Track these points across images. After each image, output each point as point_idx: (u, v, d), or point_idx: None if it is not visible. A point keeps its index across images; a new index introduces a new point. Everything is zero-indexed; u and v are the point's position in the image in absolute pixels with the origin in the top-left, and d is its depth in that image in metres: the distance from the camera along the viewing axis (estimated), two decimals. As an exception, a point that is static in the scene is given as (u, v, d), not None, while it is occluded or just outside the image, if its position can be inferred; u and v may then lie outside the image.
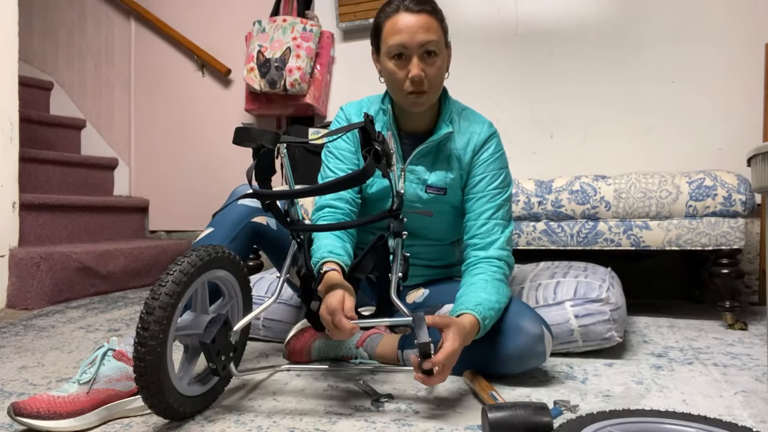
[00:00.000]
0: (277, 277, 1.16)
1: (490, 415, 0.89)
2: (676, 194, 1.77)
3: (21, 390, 1.23)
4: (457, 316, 1.12)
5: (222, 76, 3.10)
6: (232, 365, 1.10)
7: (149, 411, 1.03)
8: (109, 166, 3.35)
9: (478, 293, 1.18)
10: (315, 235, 1.26)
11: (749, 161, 1.11)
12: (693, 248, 1.76)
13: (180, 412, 1.00)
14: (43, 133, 3.24)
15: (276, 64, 2.57)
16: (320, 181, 1.40)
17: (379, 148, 1.06)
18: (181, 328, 1.04)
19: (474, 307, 1.13)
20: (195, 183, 3.19)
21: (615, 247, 1.84)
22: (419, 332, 1.01)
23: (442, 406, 1.09)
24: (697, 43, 2.20)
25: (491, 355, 1.21)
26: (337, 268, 1.16)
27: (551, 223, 1.90)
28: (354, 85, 2.71)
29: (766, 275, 1.62)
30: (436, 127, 1.36)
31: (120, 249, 2.58)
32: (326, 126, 2.49)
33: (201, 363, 1.08)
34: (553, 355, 1.43)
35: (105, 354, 1.07)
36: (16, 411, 0.97)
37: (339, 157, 1.38)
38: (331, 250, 1.20)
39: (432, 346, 1.01)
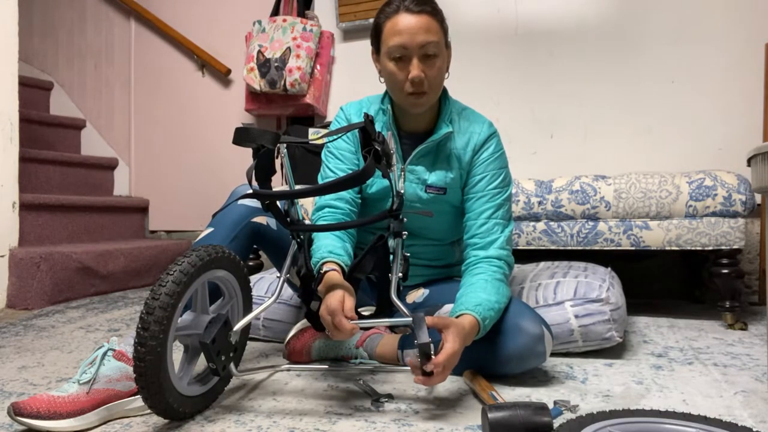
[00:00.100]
0: (278, 277, 1.16)
1: (490, 415, 0.89)
2: (676, 194, 1.77)
3: (21, 390, 1.23)
4: (457, 317, 1.12)
5: (222, 76, 3.10)
6: (232, 365, 1.10)
7: (149, 411, 1.03)
8: (109, 166, 3.35)
9: (477, 293, 1.17)
10: (315, 235, 1.26)
11: (749, 161, 1.11)
12: (693, 248, 1.76)
13: (180, 413, 1.00)
14: (43, 133, 3.24)
15: (276, 64, 2.57)
16: (320, 180, 1.40)
17: (379, 149, 1.06)
18: (181, 328, 1.04)
19: (474, 308, 1.13)
20: (195, 183, 3.19)
21: (615, 247, 1.84)
22: (419, 333, 1.01)
23: (442, 406, 1.09)
24: (697, 43, 2.20)
25: (491, 355, 1.21)
26: (337, 268, 1.16)
27: (551, 223, 1.90)
28: (354, 85, 2.71)
29: (766, 275, 1.62)
30: (436, 127, 1.36)
31: (120, 249, 2.58)
32: (326, 126, 2.49)
33: (201, 363, 1.08)
34: (553, 355, 1.43)
35: (105, 354, 1.07)
36: (16, 411, 0.97)
37: (339, 157, 1.38)
38: (331, 250, 1.20)
39: (432, 346, 1.01)
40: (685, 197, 1.76)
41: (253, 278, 1.75)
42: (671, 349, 1.51)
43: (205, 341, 0.99)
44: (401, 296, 1.21)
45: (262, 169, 1.08)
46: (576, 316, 1.40)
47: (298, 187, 1.10)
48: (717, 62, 2.18)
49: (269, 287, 1.66)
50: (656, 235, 1.79)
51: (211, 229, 1.32)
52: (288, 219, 1.14)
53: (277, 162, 1.17)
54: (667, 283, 2.30)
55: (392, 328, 1.42)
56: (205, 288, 1.06)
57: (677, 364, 1.36)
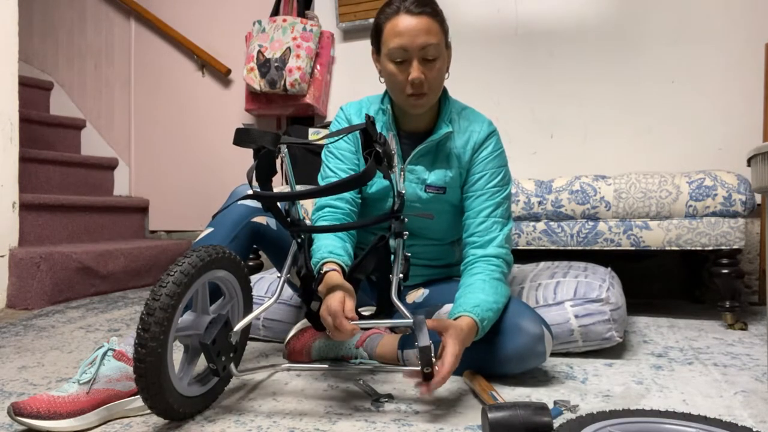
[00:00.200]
0: (278, 276, 1.16)
1: (490, 415, 0.89)
2: (676, 194, 1.77)
3: (21, 390, 1.23)
4: (455, 319, 1.12)
5: (222, 76, 3.10)
6: (232, 365, 1.10)
7: (149, 411, 1.03)
8: (109, 166, 3.35)
9: (476, 294, 1.18)
10: (315, 235, 1.26)
11: (749, 161, 1.11)
12: (693, 248, 1.76)
13: (180, 413, 1.00)
14: (43, 133, 3.24)
15: (276, 64, 2.57)
16: (320, 180, 1.40)
17: (381, 150, 1.06)
18: (182, 328, 1.04)
19: (472, 309, 1.13)
20: (195, 183, 3.19)
21: (615, 247, 1.84)
22: (420, 336, 1.01)
23: (442, 406, 1.09)
24: (697, 43, 2.20)
25: (491, 355, 1.21)
26: (337, 268, 1.16)
27: (551, 223, 1.90)
28: (354, 85, 2.71)
29: (766, 275, 1.62)
30: (436, 126, 1.36)
31: (120, 249, 2.58)
32: (326, 126, 2.49)
33: (201, 363, 1.08)
34: (553, 355, 1.43)
35: (105, 354, 1.07)
36: (16, 411, 0.97)
37: (339, 157, 1.38)
38: (331, 250, 1.20)
39: (433, 347, 1.01)
40: (685, 197, 1.76)
41: (253, 278, 1.75)
42: (671, 349, 1.51)
43: (205, 342, 0.99)
44: (401, 296, 1.21)
45: (263, 170, 1.08)
46: (576, 316, 1.40)
47: (299, 188, 1.10)
48: (717, 62, 2.18)
49: (269, 287, 1.66)
50: (656, 235, 1.79)
51: (210, 229, 1.32)
52: (288, 219, 1.14)
53: (277, 162, 1.17)
54: (667, 283, 2.30)
55: (392, 329, 1.42)
56: (206, 288, 1.06)
57: (677, 364, 1.36)
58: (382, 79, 1.33)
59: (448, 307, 1.30)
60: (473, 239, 1.30)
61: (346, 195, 1.34)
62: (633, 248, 1.82)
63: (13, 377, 1.33)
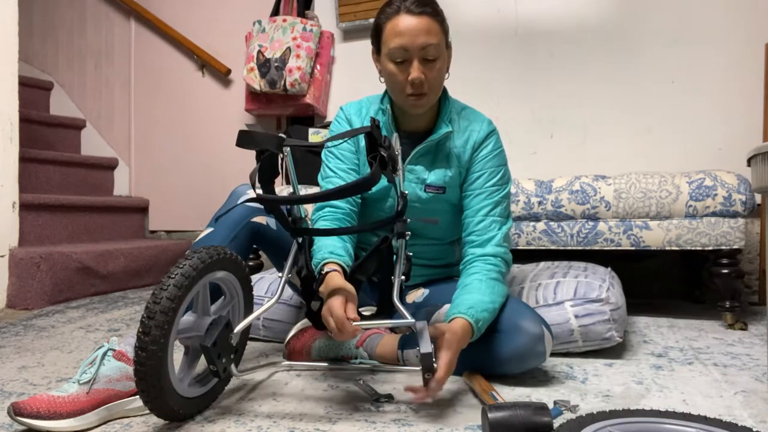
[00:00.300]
0: (279, 276, 1.16)
1: (490, 415, 0.89)
2: (676, 194, 1.77)
3: (21, 390, 1.23)
4: (450, 320, 1.12)
5: (222, 76, 3.10)
6: (232, 366, 1.10)
7: (149, 411, 1.03)
8: (109, 166, 3.35)
9: (472, 295, 1.18)
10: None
11: (749, 161, 1.11)
12: (693, 248, 1.76)
13: (180, 414, 1.00)
14: (43, 133, 3.24)
15: (276, 64, 2.57)
16: (320, 180, 1.40)
17: (386, 154, 1.06)
18: (183, 330, 1.04)
19: (466, 311, 1.13)
20: (195, 183, 3.19)
21: (615, 247, 1.84)
22: (422, 342, 1.01)
23: (442, 406, 1.09)
24: (697, 43, 2.20)
25: (491, 355, 1.21)
26: (338, 269, 1.16)
27: (551, 223, 1.90)
28: (354, 85, 2.71)
29: (766, 275, 1.62)
30: (436, 126, 1.36)
31: (120, 249, 2.58)
32: (326, 126, 2.49)
33: (201, 364, 1.08)
34: (553, 355, 1.43)
35: (105, 354, 1.07)
36: (16, 411, 0.97)
37: (339, 157, 1.38)
38: (332, 250, 1.20)
39: (434, 353, 1.01)
40: (685, 197, 1.76)
41: (253, 278, 1.75)
42: (671, 349, 1.51)
43: (206, 344, 0.99)
44: (402, 297, 1.21)
45: (265, 172, 1.08)
46: (576, 316, 1.40)
47: (302, 192, 1.10)
48: (717, 62, 2.18)
49: (269, 287, 1.66)
50: (656, 235, 1.79)
51: (210, 229, 1.32)
52: (290, 218, 1.14)
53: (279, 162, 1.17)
54: (667, 283, 2.30)
55: (392, 329, 1.42)
56: (207, 290, 1.06)
57: (677, 364, 1.36)
58: (382, 79, 1.33)
59: (447, 307, 1.30)
60: (472, 238, 1.30)
61: (347, 195, 1.34)
62: (633, 248, 1.82)
63: (13, 377, 1.33)
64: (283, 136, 1.07)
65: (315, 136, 2.44)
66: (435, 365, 1.02)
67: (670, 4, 2.23)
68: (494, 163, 1.35)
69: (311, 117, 2.82)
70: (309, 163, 2.31)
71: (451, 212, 1.40)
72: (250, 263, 2.30)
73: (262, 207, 1.35)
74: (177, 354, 1.09)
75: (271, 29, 2.65)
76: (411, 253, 1.24)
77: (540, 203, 1.89)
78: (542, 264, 1.82)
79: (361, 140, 1.38)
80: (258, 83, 2.61)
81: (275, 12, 2.80)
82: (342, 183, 1.34)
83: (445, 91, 1.39)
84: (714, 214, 1.74)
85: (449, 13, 1.35)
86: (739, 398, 1.13)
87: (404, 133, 1.38)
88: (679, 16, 2.22)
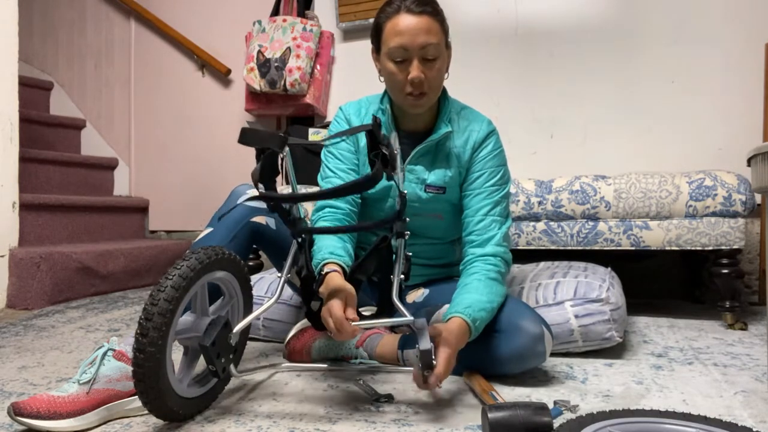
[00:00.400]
0: (278, 276, 1.16)
1: (490, 415, 0.89)
2: (676, 194, 1.77)
3: (21, 390, 1.23)
4: (448, 320, 1.12)
5: (222, 76, 3.10)
6: (231, 366, 1.10)
7: (149, 411, 1.03)
8: (109, 166, 3.35)
9: (470, 294, 1.18)
10: (316, 235, 1.26)
11: (749, 161, 1.11)
12: (693, 248, 1.76)
13: (180, 415, 1.00)
14: (43, 133, 3.24)
15: (276, 64, 2.57)
16: (320, 180, 1.40)
17: (387, 153, 1.06)
18: (181, 330, 1.04)
19: (464, 310, 1.13)
20: (195, 183, 3.19)
21: (615, 247, 1.84)
22: (421, 340, 1.02)
23: (442, 406, 1.09)
24: (697, 43, 2.20)
25: (491, 355, 1.21)
26: (338, 269, 1.16)
27: (551, 223, 1.90)
28: (354, 85, 2.71)
29: (766, 275, 1.62)
30: (435, 126, 1.36)
31: (120, 249, 2.58)
32: (326, 126, 2.49)
33: (200, 364, 1.08)
34: (553, 355, 1.42)
35: (105, 354, 1.07)
36: (16, 411, 0.97)
37: (339, 157, 1.38)
38: (332, 251, 1.20)
39: (434, 350, 1.01)
40: (685, 197, 1.76)
41: (253, 278, 1.75)
42: (671, 349, 1.51)
43: (205, 344, 0.99)
44: (402, 296, 1.21)
45: (266, 171, 1.08)
46: (576, 316, 1.40)
47: (303, 190, 1.10)
48: (717, 62, 2.18)
49: (269, 287, 1.66)
50: (656, 235, 1.79)
51: (210, 229, 1.32)
52: (290, 217, 1.14)
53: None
54: (667, 283, 2.30)
55: (392, 328, 1.42)
56: (205, 290, 1.05)
57: (677, 364, 1.36)
58: (382, 79, 1.33)
59: (447, 307, 1.30)
60: (471, 238, 1.30)
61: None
62: (633, 248, 1.82)
63: (13, 377, 1.33)
64: (285, 135, 1.07)
65: (315, 135, 2.44)
66: (434, 362, 1.02)
67: (670, 4, 2.23)
68: (494, 163, 1.35)
69: (311, 117, 2.82)
70: (309, 162, 2.31)
71: (451, 212, 1.40)
72: (250, 263, 2.30)
73: (261, 207, 1.35)
74: (177, 354, 1.09)
75: (271, 29, 2.65)
76: (410, 253, 1.24)
77: (540, 203, 1.89)
78: (542, 264, 1.82)
79: (361, 140, 1.38)
80: (258, 83, 2.61)
81: (275, 12, 2.80)
82: (342, 183, 1.34)
83: (444, 91, 1.39)
84: (714, 214, 1.74)
85: (449, 13, 1.35)
86: (739, 398, 1.13)
87: (404, 133, 1.38)
88: (679, 16, 2.22)
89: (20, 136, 2.29)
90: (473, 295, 1.17)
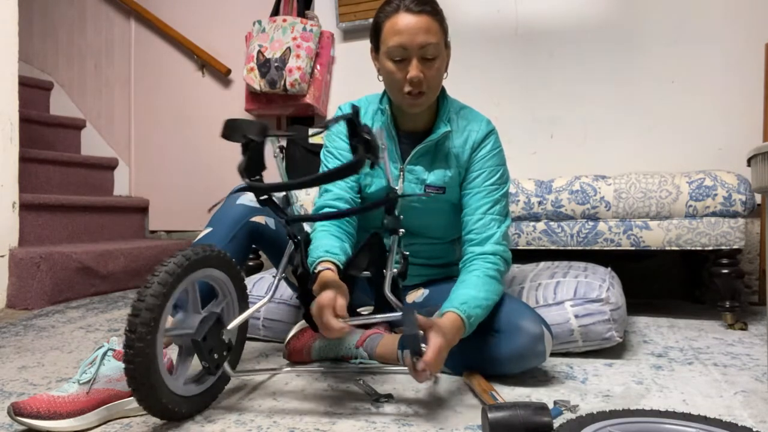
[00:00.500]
0: (273, 276, 1.17)
1: (490, 415, 0.89)
2: (676, 194, 1.77)
3: (21, 390, 1.23)
4: (443, 314, 1.12)
5: (222, 76, 3.10)
6: (228, 366, 1.10)
7: (149, 411, 1.03)
8: (109, 166, 3.35)
9: (466, 290, 1.18)
10: (313, 235, 1.26)
11: (749, 161, 1.11)
12: (693, 248, 1.76)
13: (176, 413, 1.00)
14: (43, 133, 3.24)
15: (276, 64, 2.57)
16: (320, 181, 1.40)
17: (369, 138, 1.05)
18: (174, 328, 1.04)
19: (459, 306, 1.13)
20: (195, 183, 3.19)
21: (615, 247, 1.84)
22: (408, 325, 1.01)
23: (442, 406, 1.09)
24: (697, 43, 2.20)
25: (491, 355, 1.21)
26: (332, 267, 1.16)
27: (551, 223, 1.90)
28: (354, 85, 2.71)
29: (766, 275, 1.62)
30: (435, 126, 1.36)
31: (120, 249, 2.58)
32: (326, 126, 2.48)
33: (198, 363, 1.08)
34: (553, 355, 1.42)
35: (105, 354, 1.07)
36: (16, 411, 0.97)
37: (338, 157, 1.38)
38: (327, 249, 1.20)
39: (421, 336, 1.01)
40: (685, 197, 1.76)
41: (253, 278, 1.75)
42: (671, 349, 1.51)
43: (196, 339, 0.99)
44: (401, 297, 1.21)
45: (252, 164, 1.08)
46: (576, 316, 1.40)
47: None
48: (717, 62, 2.18)
49: (269, 287, 1.66)
50: (656, 235, 1.79)
51: (209, 229, 1.32)
52: (285, 219, 1.14)
53: (270, 156, 1.17)
54: (667, 283, 2.30)
55: (392, 328, 1.42)
56: (196, 288, 1.05)
57: (677, 364, 1.36)
58: (381, 78, 1.33)
59: (446, 305, 1.30)
60: (471, 236, 1.30)
61: (346, 195, 1.34)
62: (633, 248, 1.82)
63: (13, 377, 1.33)
64: (266, 123, 1.07)
65: (315, 137, 2.44)
66: (423, 348, 1.01)
67: (670, 4, 2.23)
68: (493, 163, 1.35)
69: (311, 117, 2.82)
70: (309, 163, 2.31)
71: (451, 212, 1.40)
72: (250, 263, 2.30)
73: (261, 207, 1.35)
74: (177, 355, 1.09)
75: (271, 29, 2.65)
76: (408, 253, 1.24)
77: (540, 203, 1.89)
78: (542, 264, 1.82)
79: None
80: (258, 83, 2.61)
81: (275, 12, 2.80)
82: (341, 183, 1.34)
83: (443, 90, 1.39)
84: (714, 214, 1.74)
85: (449, 13, 1.35)
86: (739, 398, 1.13)
87: (403, 133, 1.38)
88: (679, 16, 2.22)
89: (20, 136, 2.29)
90: (470, 291, 1.17)
